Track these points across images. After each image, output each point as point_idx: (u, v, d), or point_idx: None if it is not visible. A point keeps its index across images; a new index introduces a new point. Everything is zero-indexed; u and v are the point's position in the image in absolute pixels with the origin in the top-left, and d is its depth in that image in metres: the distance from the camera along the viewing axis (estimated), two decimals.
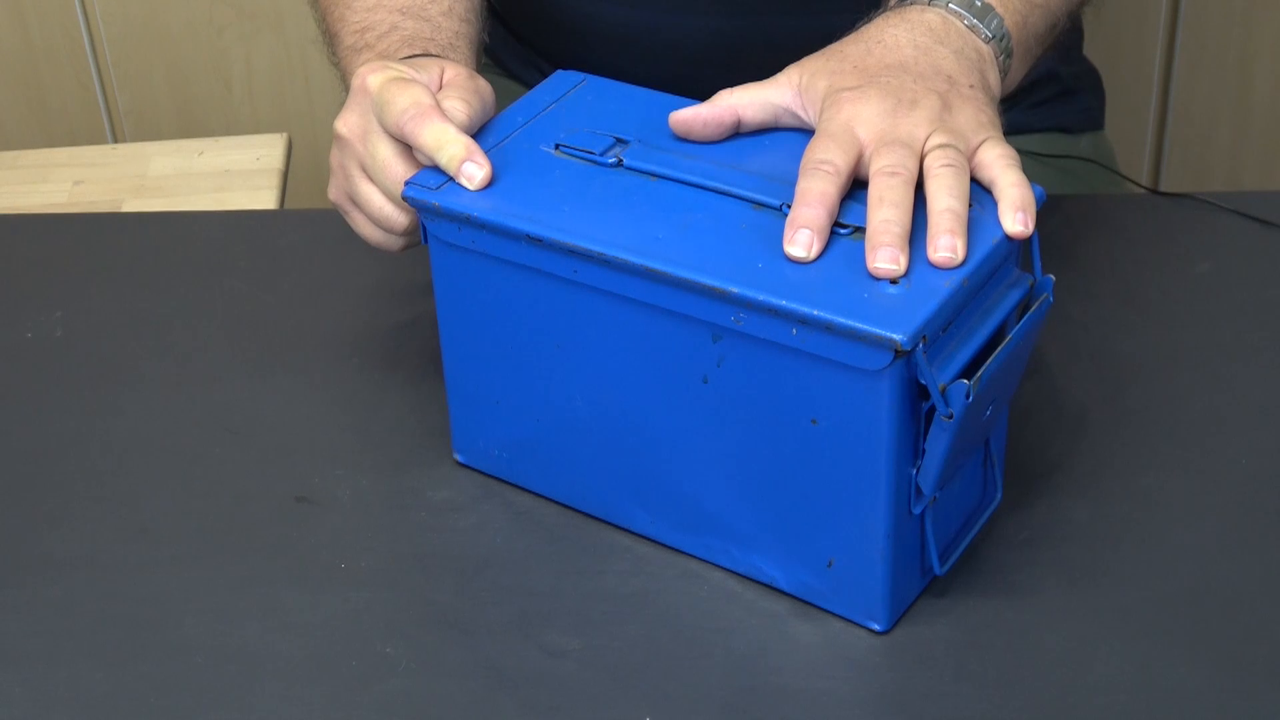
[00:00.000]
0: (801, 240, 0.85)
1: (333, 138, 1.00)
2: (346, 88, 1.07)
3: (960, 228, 0.85)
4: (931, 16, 0.95)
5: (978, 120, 0.91)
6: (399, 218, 0.98)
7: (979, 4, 0.96)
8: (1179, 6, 2.01)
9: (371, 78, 0.97)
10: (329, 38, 1.14)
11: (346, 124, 0.98)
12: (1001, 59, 0.96)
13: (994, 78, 0.96)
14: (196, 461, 1.02)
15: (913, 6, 0.96)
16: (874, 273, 0.83)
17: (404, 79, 0.96)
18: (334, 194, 1.02)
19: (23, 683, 0.89)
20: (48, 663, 0.90)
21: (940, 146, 0.88)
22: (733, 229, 0.87)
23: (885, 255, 0.83)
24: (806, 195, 0.86)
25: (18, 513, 0.99)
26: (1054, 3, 1.03)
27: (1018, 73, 1.00)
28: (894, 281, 0.83)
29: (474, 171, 0.92)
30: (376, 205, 0.98)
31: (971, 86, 0.93)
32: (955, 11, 0.95)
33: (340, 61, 1.11)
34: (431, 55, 1.04)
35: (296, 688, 0.87)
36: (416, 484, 0.99)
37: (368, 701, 0.87)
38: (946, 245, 0.84)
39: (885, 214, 0.85)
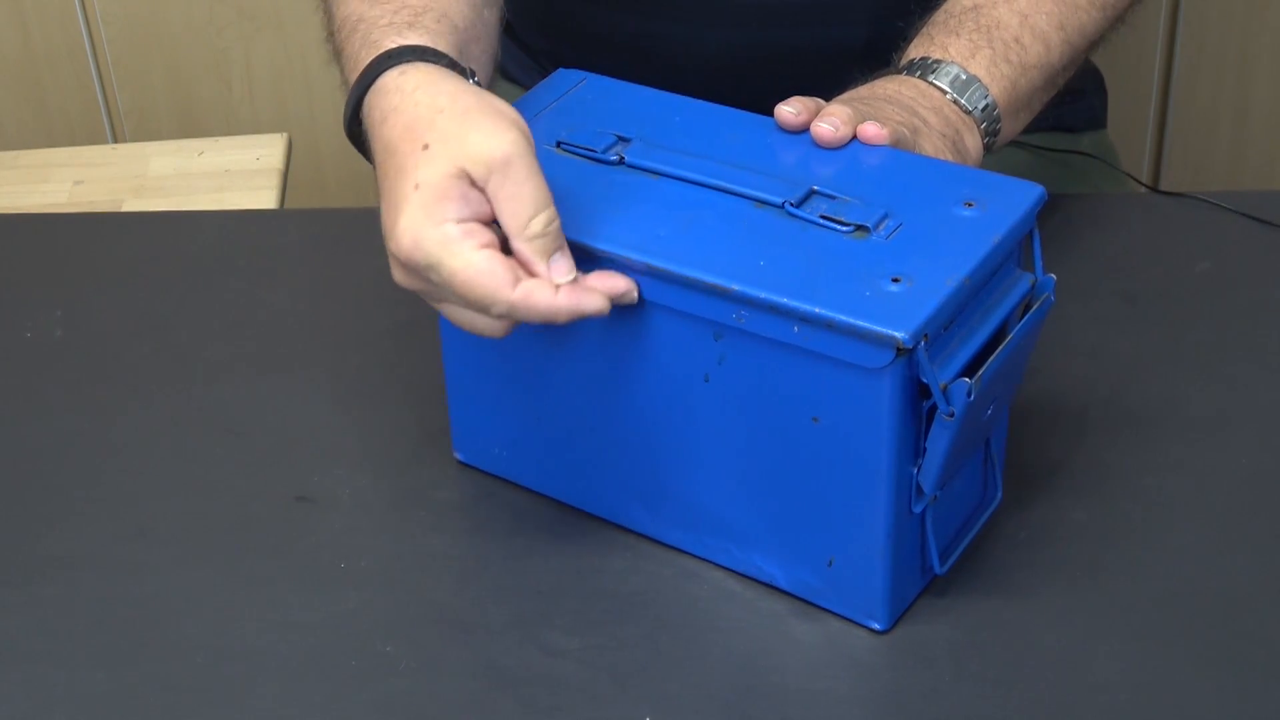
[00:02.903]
0: (794, 104, 0.93)
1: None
2: (344, 81, 0.99)
3: (846, 117, 0.92)
4: (912, 90, 1.01)
5: (934, 146, 0.97)
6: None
7: (964, 77, 1.02)
8: (1179, 6, 2.01)
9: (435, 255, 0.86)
10: (340, 61, 1.02)
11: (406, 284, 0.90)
12: (985, 125, 1.02)
13: (972, 141, 1.01)
14: (196, 461, 1.02)
15: (902, 78, 1.02)
16: (813, 133, 0.92)
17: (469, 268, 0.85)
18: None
19: (23, 683, 0.89)
20: (48, 663, 0.90)
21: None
22: (735, 227, 0.87)
23: (828, 121, 0.91)
24: (797, 96, 0.94)
25: (18, 513, 0.99)
26: (1053, 58, 1.08)
27: (1014, 127, 1.06)
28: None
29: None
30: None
31: (943, 136, 0.99)
32: (937, 86, 1.01)
33: (346, 78, 0.99)
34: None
35: (296, 688, 0.87)
36: (416, 484, 0.99)
37: (368, 701, 0.87)
38: (874, 122, 0.92)
39: (835, 107, 0.93)
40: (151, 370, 1.09)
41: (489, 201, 0.86)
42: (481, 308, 0.86)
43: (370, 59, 0.94)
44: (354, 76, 0.95)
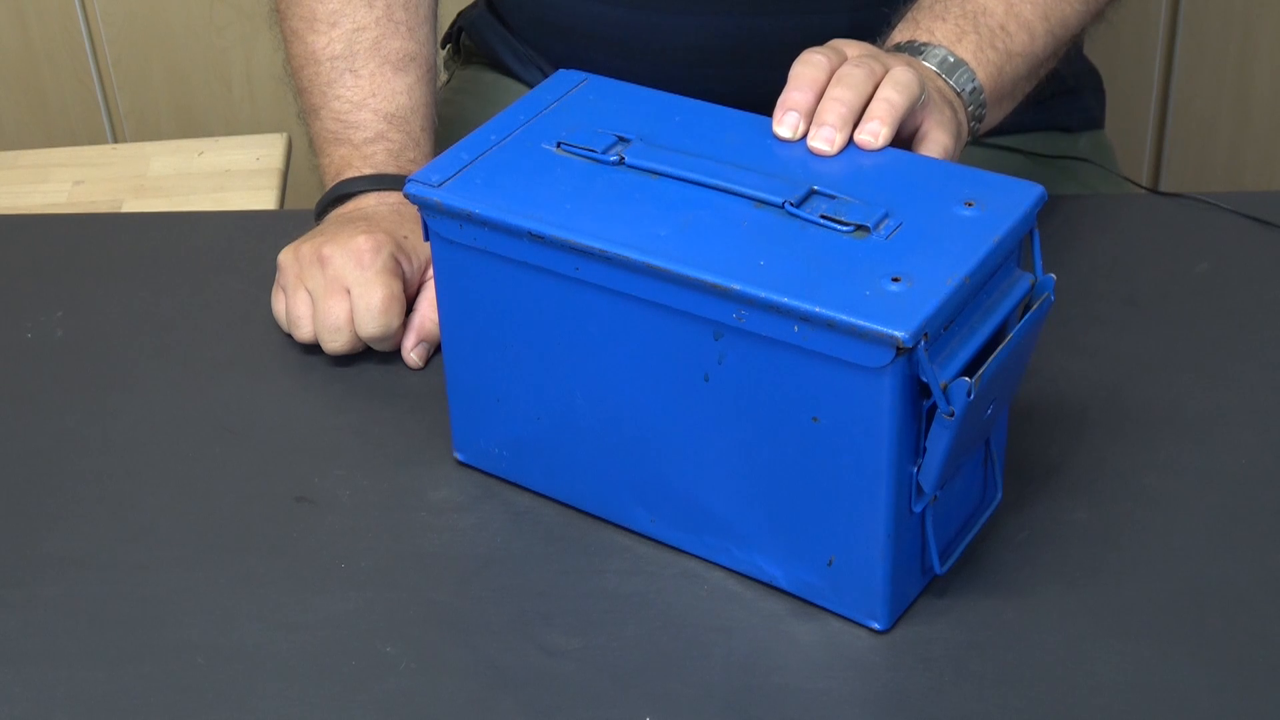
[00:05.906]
0: (789, 121, 0.91)
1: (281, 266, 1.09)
2: (315, 152, 1.15)
3: (890, 116, 0.91)
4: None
5: (938, 103, 0.97)
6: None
7: (951, 59, 1.02)
8: (1179, 6, 2.01)
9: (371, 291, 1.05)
10: (302, 99, 1.19)
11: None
12: (972, 109, 1.03)
13: (963, 118, 1.02)
14: (196, 461, 1.02)
15: (894, 55, 1.01)
16: (810, 149, 0.90)
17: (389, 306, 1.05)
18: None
19: (23, 683, 0.89)
20: (48, 663, 0.90)
21: (903, 66, 0.95)
22: (734, 226, 0.87)
23: (823, 135, 0.91)
24: (798, 80, 0.92)
25: (18, 513, 0.99)
26: (1037, 48, 1.08)
27: (997, 115, 1.07)
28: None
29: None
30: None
31: (943, 99, 0.99)
32: (927, 68, 1.01)
33: (314, 139, 1.16)
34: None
35: (296, 688, 0.87)
36: (416, 484, 0.99)
37: (368, 701, 0.87)
38: (871, 130, 0.91)
39: (837, 93, 0.91)
40: (151, 370, 1.09)
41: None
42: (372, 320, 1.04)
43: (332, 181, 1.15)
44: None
